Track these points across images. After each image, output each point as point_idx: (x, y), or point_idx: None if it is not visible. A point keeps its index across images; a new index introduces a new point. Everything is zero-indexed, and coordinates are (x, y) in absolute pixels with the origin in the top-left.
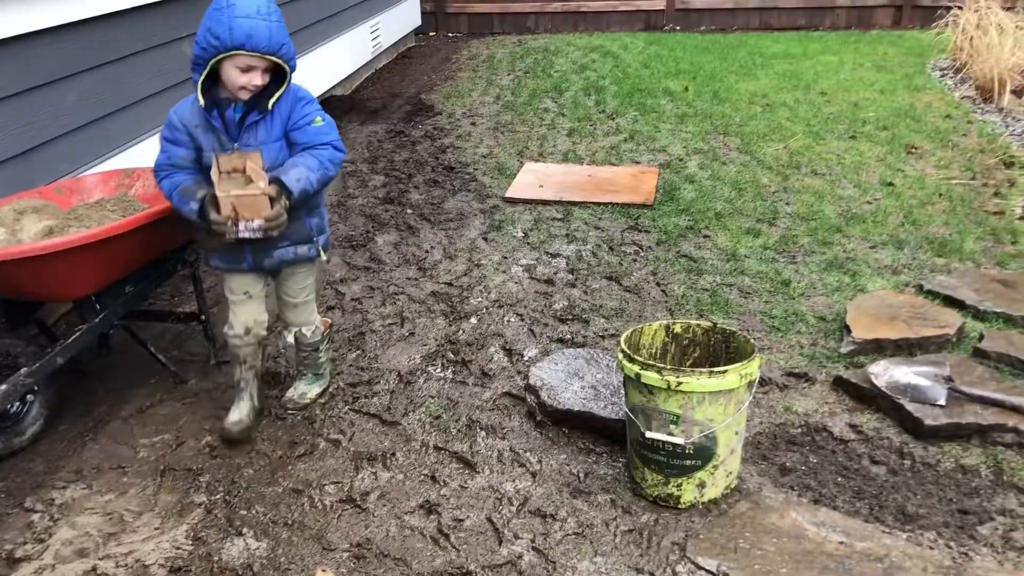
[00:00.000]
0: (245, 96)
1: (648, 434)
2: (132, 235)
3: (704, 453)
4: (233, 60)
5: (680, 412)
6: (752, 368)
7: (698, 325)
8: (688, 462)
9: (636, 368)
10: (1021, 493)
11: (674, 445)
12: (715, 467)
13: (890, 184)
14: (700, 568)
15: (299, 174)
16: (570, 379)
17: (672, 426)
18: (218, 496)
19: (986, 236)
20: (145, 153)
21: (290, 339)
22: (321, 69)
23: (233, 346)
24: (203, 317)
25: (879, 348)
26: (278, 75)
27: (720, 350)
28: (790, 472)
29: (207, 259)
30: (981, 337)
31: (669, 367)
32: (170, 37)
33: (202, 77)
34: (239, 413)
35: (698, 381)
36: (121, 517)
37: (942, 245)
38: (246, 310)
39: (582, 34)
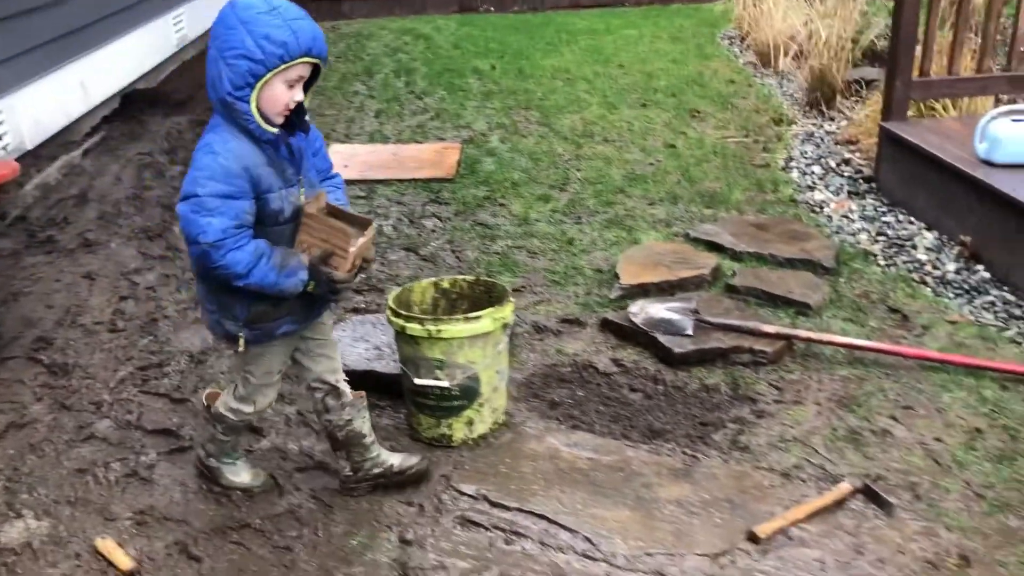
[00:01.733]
0: (281, 119)
1: (417, 381)
2: None
3: (469, 393)
4: (286, 73)
5: (444, 357)
6: (505, 312)
7: (464, 279)
8: (455, 403)
9: (401, 322)
10: (752, 403)
11: (441, 388)
12: (481, 405)
13: (672, 146)
14: (463, 494)
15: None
16: (356, 343)
17: (438, 371)
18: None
19: (751, 187)
20: None
21: (331, 401)
22: (123, 62)
23: (240, 421)
24: None
25: (644, 291)
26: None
27: (484, 300)
28: (558, 406)
29: (264, 333)
30: (733, 274)
31: (430, 317)
32: None
33: (255, 97)
34: (249, 472)
35: (456, 327)
36: None
37: (712, 197)
38: (276, 389)
39: (397, 18)
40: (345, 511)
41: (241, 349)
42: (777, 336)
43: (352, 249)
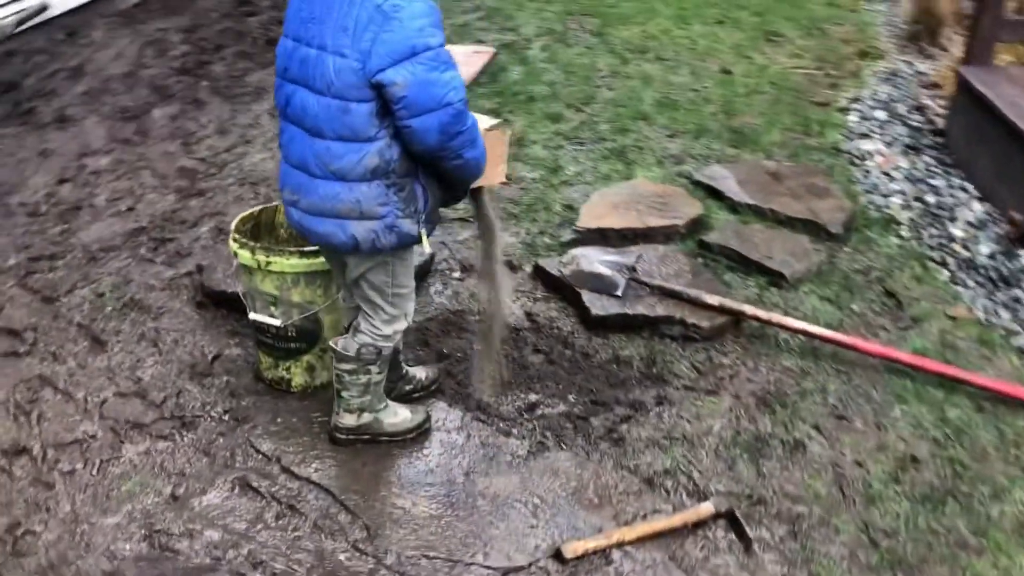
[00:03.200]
0: None
1: (251, 315)
2: None
3: (307, 336)
4: None
5: (277, 293)
6: None
7: None
8: (292, 345)
9: (235, 247)
10: (661, 385)
11: (276, 327)
12: (323, 351)
13: (727, 72)
14: (258, 451)
15: None
16: None
17: (272, 307)
18: None
19: (796, 127)
20: None
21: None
22: None
23: (394, 345)
24: None
25: (603, 238)
26: None
27: None
28: (446, 358)
29: (433, 227)
30: (710, 229)
31: (260, 246)
32: None
33: None
34: (405, 408)
35: (288, 261)
36: None
37: (743, 135)
38: None
39: None
40: (139, 453)
41: (428, 250)
42: (719, 309)
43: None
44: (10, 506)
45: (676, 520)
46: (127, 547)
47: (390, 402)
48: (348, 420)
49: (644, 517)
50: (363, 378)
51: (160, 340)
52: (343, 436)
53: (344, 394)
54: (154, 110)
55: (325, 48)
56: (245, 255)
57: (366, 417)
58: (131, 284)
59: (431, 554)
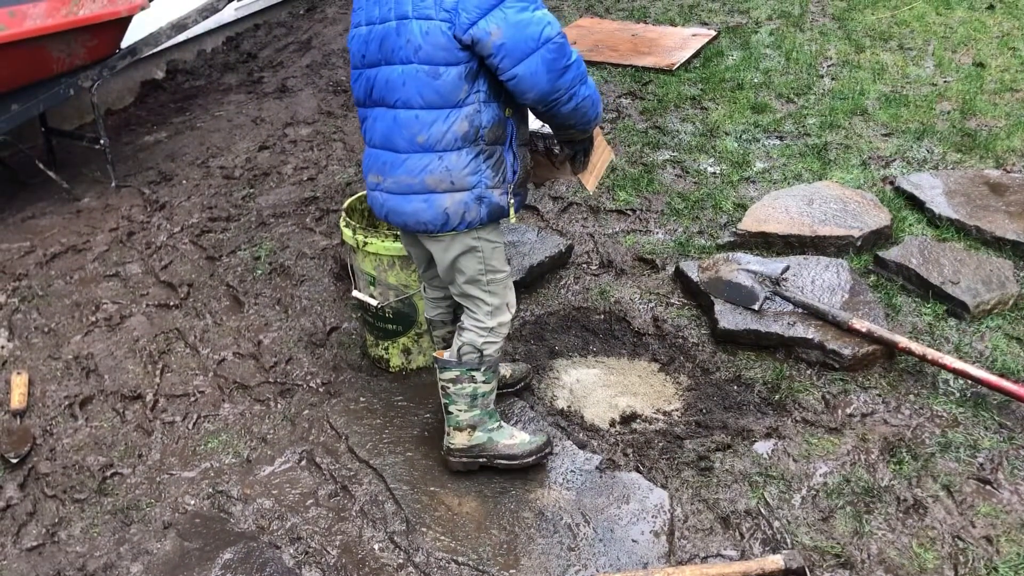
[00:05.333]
0: None
1: (354, 292)
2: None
3: (403, 319)
4: None
5: (375, 274)
6: None
7: None
8: (389, 326)
9: (342, 224)
10: (779, 415)
11: (374, 307)
12: (418, 335)
13: (980, 65)
14: (332, 427)
15: None
16: None
17: (371, 287)
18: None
19: None
20: None
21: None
22: None
23: (501, 342)
24: (101, 141)
25: (766, 243)
26: None
27: None
28: (558, 356)
29: (521, 201)
30: (893, 243)
31: (361, 226)
32: None
33: None
34: (520, 431)
35: (382, 243)
36: None
37: (975, 139)
38: None
39: None
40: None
41: (513, 221)
42: (867, 336)
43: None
44: (111, 447)
45: (735, 569)
46: (192, 502)
47: (505, 424)
48: (458, 440)
49: (704, 560)
50: (467, 387)
51: (291, 307)
52: (456, 459)
53: (452, 408)
54: None
55: (407, 16)
56: (348, 233)
57: (478, 436)
58: (287, 250)
59: (460, 559)
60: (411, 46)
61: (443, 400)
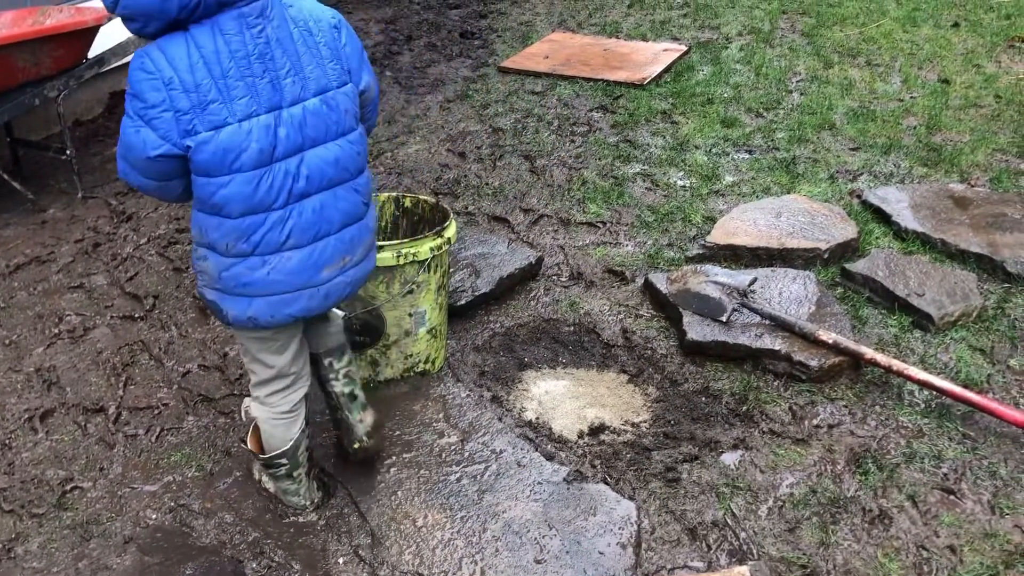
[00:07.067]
0: None
1: None
2: None
3: (371, 331)
4: None
5: None
6: (419, 248)
7: (426, 200)
8: (357, 338)
9: None
10: (746, 426)
11: (341, 319)
12: (387, 347)
13: (945, 81)
14: None
15: None
16: None
17: None
18: None
19: (1010, 148)
20: None
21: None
22: None
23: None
24: (68, 152)
25: (735, 256)
26: None
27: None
28: (527, 368)
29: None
30: (859, 256)
31: None
32: None
33: None
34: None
35: None
36: None
37: (939, 153)
38: None
39: None
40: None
41: None
42: (834, 348)
43: None
44: (72, 461)
45: None
46: (153, 516)
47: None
48: (369, 418)
49: (670, 572)
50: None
51: None
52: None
53: (357, 392)
54: None
55: (327, 88)
56: None
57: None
58: None
59: (425, 572)
60: (350, 115)
61: (350, 388)
